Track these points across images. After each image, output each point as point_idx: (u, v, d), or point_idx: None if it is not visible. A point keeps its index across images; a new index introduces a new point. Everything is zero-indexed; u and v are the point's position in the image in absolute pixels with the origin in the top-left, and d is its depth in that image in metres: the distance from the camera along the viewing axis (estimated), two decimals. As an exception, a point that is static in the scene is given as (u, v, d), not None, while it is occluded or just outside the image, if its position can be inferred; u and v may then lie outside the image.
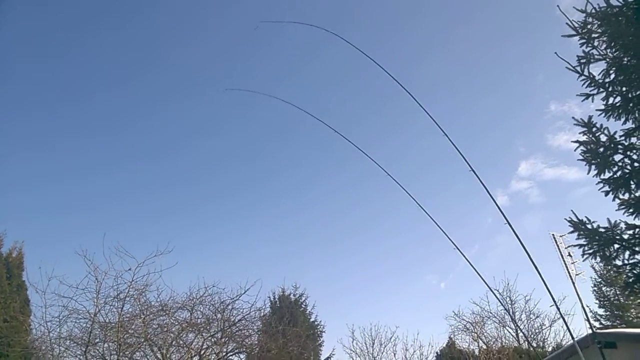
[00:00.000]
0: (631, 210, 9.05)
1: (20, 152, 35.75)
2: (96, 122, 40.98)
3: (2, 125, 31.81)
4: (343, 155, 45.40)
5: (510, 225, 8.96)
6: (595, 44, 9.36)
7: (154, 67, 42.14)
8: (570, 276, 10.15)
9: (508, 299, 26.62)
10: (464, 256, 7.28)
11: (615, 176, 9.12)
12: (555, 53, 9.54)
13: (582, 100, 9.44)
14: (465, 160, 9.41)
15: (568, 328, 10.04)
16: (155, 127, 43.48)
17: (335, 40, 11.01)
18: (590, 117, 9.32)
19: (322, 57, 41.20)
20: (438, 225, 7.96)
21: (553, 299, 9.26)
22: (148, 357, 15.18)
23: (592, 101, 9.41)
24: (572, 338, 10.44)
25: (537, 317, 26.08)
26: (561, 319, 24.31)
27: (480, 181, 9.19)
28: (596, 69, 9.40)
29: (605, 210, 9.40)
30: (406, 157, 42.14)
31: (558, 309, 9.98)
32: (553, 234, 10.84)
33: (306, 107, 11.69)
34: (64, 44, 36.89)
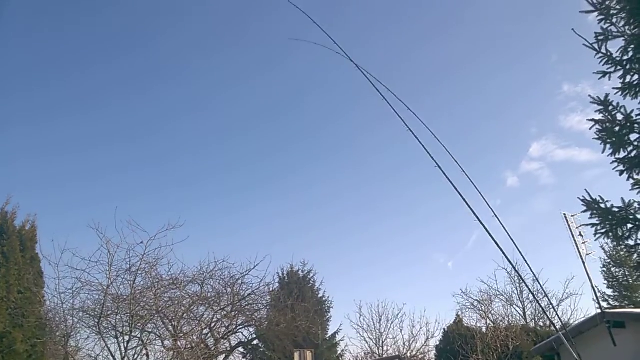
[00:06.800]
0: (646, 190, 8.93)
1: (35, 122, 36.00)
2: (105, 91, 40.93)
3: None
4: (350, 132, 45.33)
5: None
6: (614, 20, 9.13)
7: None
8: (581, 256, 10.16)
9: (516, 277, 26.71)
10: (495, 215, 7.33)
11: (630, 156, 8.98)
12: (573, 29, 9.33)
13: (599, 79, 9.23)
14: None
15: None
16: (166, 94, 43.25)
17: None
18: (607, 95, 9.16)
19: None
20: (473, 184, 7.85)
21: (534, 295, 9.23)
22: (159, 329, 15.49)
23: (609, 79, 9.21)
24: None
25: (545, 296, 26.16)
26: (569, 299, 24.41)
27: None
28: (614, 47, 9.20)
29: (616, 193, 9.31)
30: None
31: (542, 307, 9.95)
32: (565, 214, 10.83)
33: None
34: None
